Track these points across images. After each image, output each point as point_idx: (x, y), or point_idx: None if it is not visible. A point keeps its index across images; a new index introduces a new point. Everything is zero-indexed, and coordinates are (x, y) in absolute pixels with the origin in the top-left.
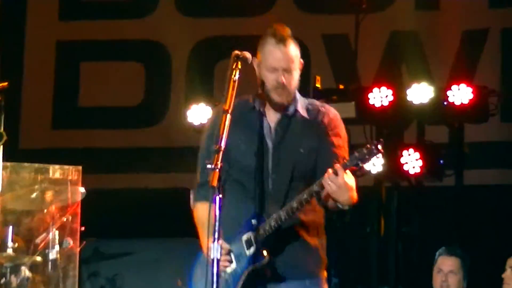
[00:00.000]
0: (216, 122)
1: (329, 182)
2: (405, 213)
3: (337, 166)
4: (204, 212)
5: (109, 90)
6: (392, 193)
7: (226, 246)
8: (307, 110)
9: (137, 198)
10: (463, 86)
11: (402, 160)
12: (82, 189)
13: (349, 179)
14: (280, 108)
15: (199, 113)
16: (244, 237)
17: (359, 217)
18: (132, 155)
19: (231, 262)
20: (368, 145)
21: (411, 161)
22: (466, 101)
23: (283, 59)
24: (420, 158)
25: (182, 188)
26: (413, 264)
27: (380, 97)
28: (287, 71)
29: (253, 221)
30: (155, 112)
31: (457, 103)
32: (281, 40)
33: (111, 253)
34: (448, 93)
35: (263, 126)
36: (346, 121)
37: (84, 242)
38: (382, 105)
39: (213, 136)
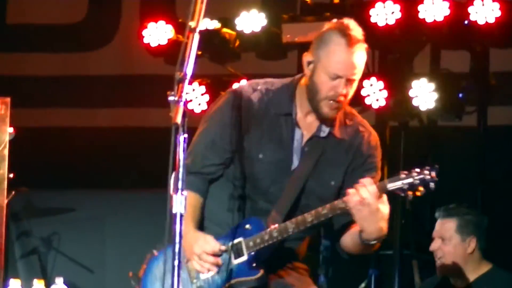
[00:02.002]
0: (230, 114)
1: (359, 207)
2: (415, 159)
3: (373, 186)
4: (191, 202)
5: (44, 2)
6: (398, 135)
7: (216, 244)
8: (344, 127)
9: (79, 139)
10: (488, 0)
11: (412, 93)
12: (10, 129)
13: (384, 206)
14: (318, 121)
15: (157, 33)
16: (234, 243)
17: None
18: (73, 85)
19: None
20: (419, 170)
21: (423, 95)
22: (492, 20)
23: (350, 67)
24: (434, 91)
25: (135, 127)
26: (423, 224)
27: (384, 13)
28: (350, 81)
29: (247, 226)
30: (101, 31)
31: (481, 22)
32: (353, 43)
33: (46, 207)
34: (470, 9)
35: (293, 140)
36: None
37: (13, 193)
38: (387, 24)
39: (227, 129)
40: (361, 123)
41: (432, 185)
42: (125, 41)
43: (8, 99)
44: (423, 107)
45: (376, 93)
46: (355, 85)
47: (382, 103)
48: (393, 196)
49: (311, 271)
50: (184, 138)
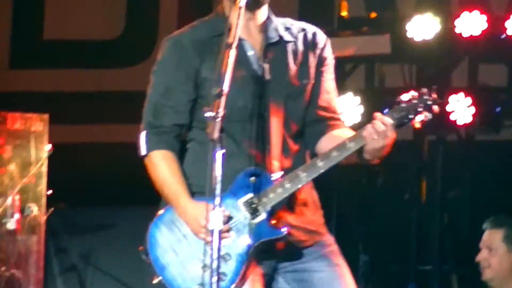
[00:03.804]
0: (179, 55)
1: (376, 138)
2: (453, 174)
3: (388, 118)
4: (168, 162)
5: (82, 18)
6: (436, 149)
7: (226, 212)
8: (288, 30)
9: (118, 155)
10: None
11: (449, 108)
12: (48, 146)
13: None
14: (260, 28)
15: None
16: (243, 201)
17: (395, 180)
18: (110, 101)
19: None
20: (417, 93)
21: (461, 109)
22: None
23: None
24: (471, 105)
25: None
26: (461, 239)
27: (422, 28)
28: None
29: (252, 179)
30: (139, 47)
31: None
32: None
33: (84, 223)
34: (507, 23)
35: (246, 53)
36: (380, 58)
37: (52, 210)
38: (424, 39)
39: (179, 71)
40: (301, 23)
41: (435, 107)
42: None
43: (46, 116)
44: (460, 122)
45: None
46: None
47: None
48: (431, 208)
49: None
50: (222, 154)
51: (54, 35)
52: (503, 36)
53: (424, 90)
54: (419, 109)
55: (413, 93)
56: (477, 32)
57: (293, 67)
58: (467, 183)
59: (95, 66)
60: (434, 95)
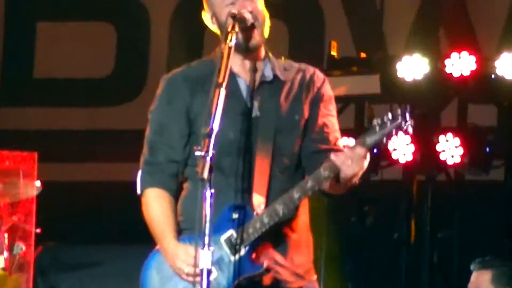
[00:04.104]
0: (171, 92)
1: (349, 163)
2: (442, 214)
3: (361, 147)
4: (160, 201)
5: (72, 57)
6: (425, 189)
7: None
8: (285, 71)
9: (106, 193)
10: None
11: (439, 148)
12: (37, 183)
13: (366, 161)
14: (254, 67)
15: None
16: (224, 237)
17: (384, 220)
18: (100, 140)
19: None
20: (392, 116)
21: (450, 149)
22: None
23: None
24: (461, 145)
25: None
26: (451, 279)
27: (411, 68)
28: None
29: (234, 215)
30: (129, 86)
31: (508, 76)
32: None
33: (73, 262)
34: (497, 63)
35: (240, 89)
36: (369, 98)
37: (40, 248)
38: (414, 79)
39: (172, 107)
40: (300, 65)
41: (410, 129)
42: (153, 95)
43: (35, 154)
44: (450, 162)
45: (403, 148)
46: (259, 4)
47: (409, 157)
48: (420, 248)
49: None
50: (211, 193)
51: (44, 74)
52: (493, 76)
53: (398, 112)
54: (393, 132)
55: (387, 117)
56: (466, 72)
57: (284, 104)
58: (456, 223)
59: (85, 105)
60: (407, 117)
